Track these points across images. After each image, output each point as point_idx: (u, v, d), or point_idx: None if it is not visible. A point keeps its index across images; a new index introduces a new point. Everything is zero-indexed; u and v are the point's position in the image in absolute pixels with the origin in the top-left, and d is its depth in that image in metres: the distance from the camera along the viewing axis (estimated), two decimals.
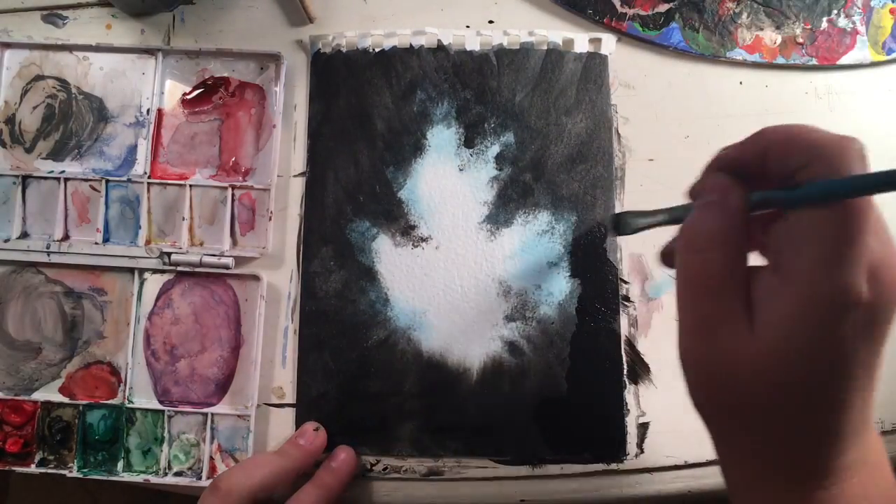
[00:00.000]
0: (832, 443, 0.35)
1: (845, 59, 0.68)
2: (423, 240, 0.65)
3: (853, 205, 0.33)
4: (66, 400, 0.65)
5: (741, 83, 0.68)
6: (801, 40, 0.68)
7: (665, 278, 0.65)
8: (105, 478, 0.63)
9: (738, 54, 0.68)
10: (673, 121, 0.68)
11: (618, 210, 0.66)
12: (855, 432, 0.35)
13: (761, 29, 0.68)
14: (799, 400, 0.35)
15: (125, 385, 0.64)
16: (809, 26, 0.68)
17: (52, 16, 0.71)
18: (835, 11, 0.68)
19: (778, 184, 0.37)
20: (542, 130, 0.66)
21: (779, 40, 0.68)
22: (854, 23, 0.68)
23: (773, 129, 0.38)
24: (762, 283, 0.37)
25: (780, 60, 0.68)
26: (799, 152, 0.36)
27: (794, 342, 0.34)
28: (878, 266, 0.34)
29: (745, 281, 0.37)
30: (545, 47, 0.68)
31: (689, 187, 0.45)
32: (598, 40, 0.68)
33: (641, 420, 0.63)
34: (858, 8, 0.69)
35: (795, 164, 0.36)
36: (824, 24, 0.68)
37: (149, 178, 0.66)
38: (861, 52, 0.68)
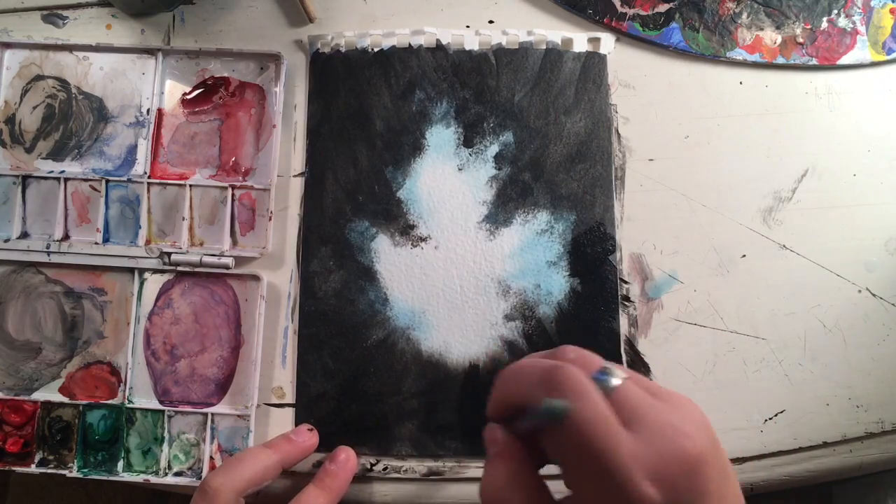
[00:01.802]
0: None
1: (845, 59, 0.68)
2: (423, 239, 0.65)
3: (587, 428, 0.35)
4: (66, 400, 0.65)
5: (741, 83, 0.68)
6: (801, 40, 0.68)
7: (665, 278, 0.65)
8: (105, 478, 0.63)
9: (738, 54, 0.68)
10: (673, 121, 0.68)
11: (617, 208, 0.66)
12: None
13: (761, 29, 0.68)
14: None
15: (125, 385, 0.64)
16: (809, 26, 0.68)
17: (52, 16, 0.71)
18: (835, 11, 0.68)
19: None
20: (541, 130, 0.66)
21: (779, 40, 0.68)
22: (854, 23, 0.68)
23: (503, 373, 0.42)
24: None
25: (780, 60, 0.68)
26: (522, 395, 0.39)
27: None
28: (658, 466, 0.34)
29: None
30: (544, 47, 0.68)
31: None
32: (597, 40, 0.68)
33: None
34: (858, 8, 0.68)
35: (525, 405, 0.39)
36: (824, 24, 0.68)
37: (149, 178, 0.66)
38: (861, 52, 0.68)
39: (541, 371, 0.38)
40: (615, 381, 0.38)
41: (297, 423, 0.63)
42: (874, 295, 0.65)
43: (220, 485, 0.53)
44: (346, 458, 0.60)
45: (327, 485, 0.58)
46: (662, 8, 0.68)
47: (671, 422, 0.36)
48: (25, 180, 0.67)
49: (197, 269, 0.65)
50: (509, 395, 0.41)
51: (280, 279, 0.66)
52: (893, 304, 0.65)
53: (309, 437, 0.61)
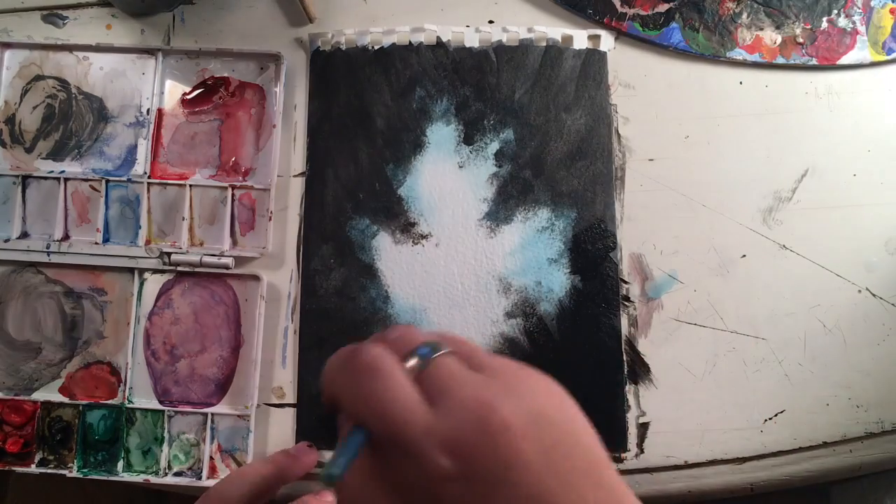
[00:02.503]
0: None
1: (845, 59, 0.68)
2: (423, 237, 0.65)
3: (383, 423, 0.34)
4: (66, 400, 0.65)
5: (741, 83, 0.68)
6: (801, 40, 0.68)
7: (665, 278, 0.65)
8: (105, 478, 0.63)
9: (738, 54, 0.68)
10: (673, 121, 0.68)
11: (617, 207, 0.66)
12: None
13: (761, 29, 0.68)
14: None
15: (125, 385, 0.64)
16: (809, 26, 0.68)
17: (52, 16, 0.71)
18: (835, 11, 0.69)
19: None
20: (541, 127, 0.66)
21: (779, 40, 0.68)
22: (854, 23, 0.68)
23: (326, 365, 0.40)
24: None
25: (780, 60, 0.68)
26: (332, 383, 0.38)
27: None
28: (454, 437, 0.33)
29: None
30: (544, 44, 0.68)
31: None
32: (597, 37, 0.68)
33: (641, 420, 0.63)
34: (858, 8, 0.69)
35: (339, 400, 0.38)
36: (824, 24, 0.68)
37: (149, 178, 0.66)
38: (861, 52, 0.68)
39: (344, 354, 0.37)
40: (435, 355, 0.37)
41: (298, 421, 0.63)
42: (874, 295, 0.65)
43: (224, 495, 0.53)
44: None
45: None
46: (662, 8, 0.69)
47: (478, 394, 0.34)
48: (25, 180, 0.67)
49: (197, 269, 0.65)
50: (326, 384, 0.39)
51: (280, 279, 0.66)
52: (893, 304, 0.65)
53: (308, 452, 0.61)
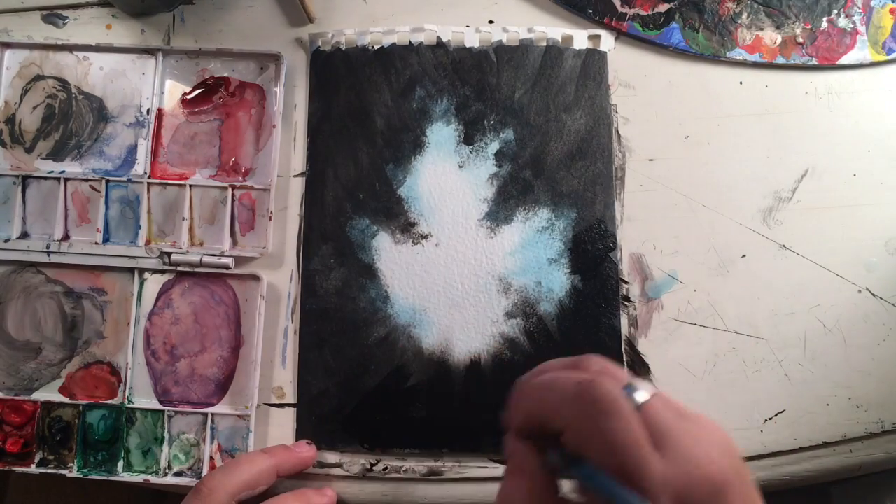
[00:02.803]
0: None
1: (845, 59, 0.68)
2: (423, 237, 0.65)
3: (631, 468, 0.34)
4: (66, 400, 0.65)
5: (741, 83, 0.68)
6: (801, 40, 0.68)
7: (665, 278, 0.65)
8: (105, 478, 0.63)
9: (738, 54, 0.68)
10: (673, 121, 0.68)
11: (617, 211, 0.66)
12: None
13: (761, 29, 0.68)
14: None
15: (125, 385, 0.64)
16: (809, 26, 0.68)
17: (52, 16, 0.71)
18: (835, 11, 0.69)
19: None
20: (541, 127, 0.66)
21: (779, 40, 0.68)
22: (854, 23, 0.68)
23: (525, 391, 0.40)
24: None
25: (780, 60, 0.68)
26: (551, 413, 0.38)
27: None
28: (684, 491, 0.34)
29: None
30: (544, 44, 0.68)
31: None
32: (598, 37, 0.68)
33: None
34: (858, 8, 0.69)
35: (556, 428, 0.37)
36: (824, 24, 0.68)
37: (149, 178, 0.66)
38: (861, 52, 0.68)
39: (574, 386, 0.37)
40: (641, 397, 0.37)
41: (298, 421, 0.63)
42: (874, 295, 0.65)
43: (214, 486, 0.54)
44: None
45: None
46: (662, 8, 0.69)
47: (699, 445, 0.35)
48: (25, 180, 0.67)
49: (197, 269, 0.65)
50: (535, 409, 0.39)
51: (280, 279, 0.66)
52: (893, 304, 0.65)
53: (307, 449, 0.61)
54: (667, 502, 0.33)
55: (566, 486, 0.40)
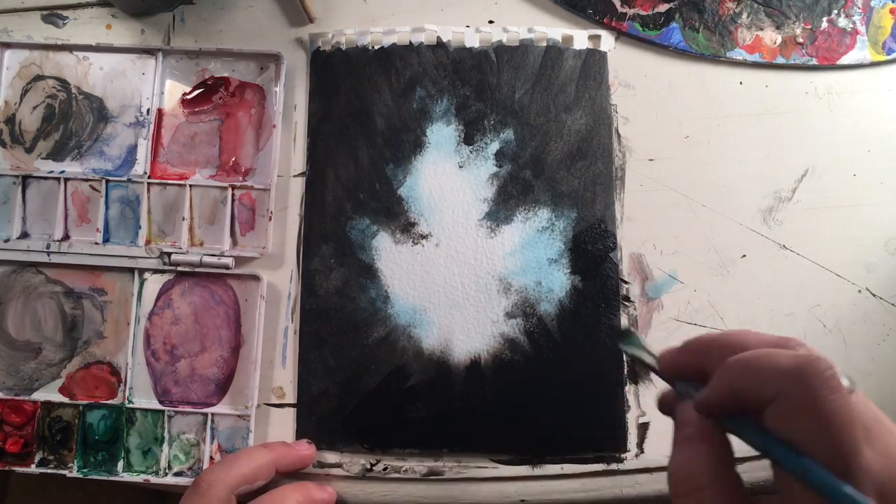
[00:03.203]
0: None
1: (845, 59, 0.68)
2: (424, 237, 0.65)
3: (844, 443, 0.32)
4: (66, 400, 0.65)
5: (741, 83, 0.68)
6: (801, 40, 0.68)
7: (665, 278, 0.65)
8: (105, 478, 0.63)
9: (738, 54, 0.68)
10: (673, 121, 0.68)
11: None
12: None
13: (761, 29, 0.68)
14: None
15: (125, 385, 0.64)
16: (809, 26, 0.68)
17: (52, 16, 0.71)
18: (835, 11, 0.69)
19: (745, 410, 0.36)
20: (541, 127, 0.66)
21: (779, 40, 0.68)
22: (854, 23, 0.69)
23: (734, 362, 0.37)
24: None
25: (780, 60, 0.68)
26: (763, 386, 0.35)
27: None
28: (887, 484, 0.33)
29: None
30: (544, 44, 0.68)
31: (658, 396, 0.44)
32: (598, 37, 0.68)
33: (641, 420, 0.63)
34: (858, 8, 0.69)
35: (763, 398, 0.35)
36: (824, 24, 0.68)
37: (149, 178, 0.66)
38: (861, 52, 0.68)
39: (793, 358, 0.35)
40: (849, 385, 0.35)
41: (298, 421, 0.63)
42: (874, 295, 0.65)
43: (212, 481, 0.54)
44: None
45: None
46: (662, 8, 0.69)
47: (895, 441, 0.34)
48: (25, 180, 0.67)
49: (197, 270, 0.65)
50: (743, 380, 0.36)
51: (280, 279, 0.66)
52: (893, 304, 0.65)
53: (307, 447, 0.62)
54: (869, 491, 0.32)
55: None
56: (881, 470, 0.32)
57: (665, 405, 0.44)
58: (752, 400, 0.35)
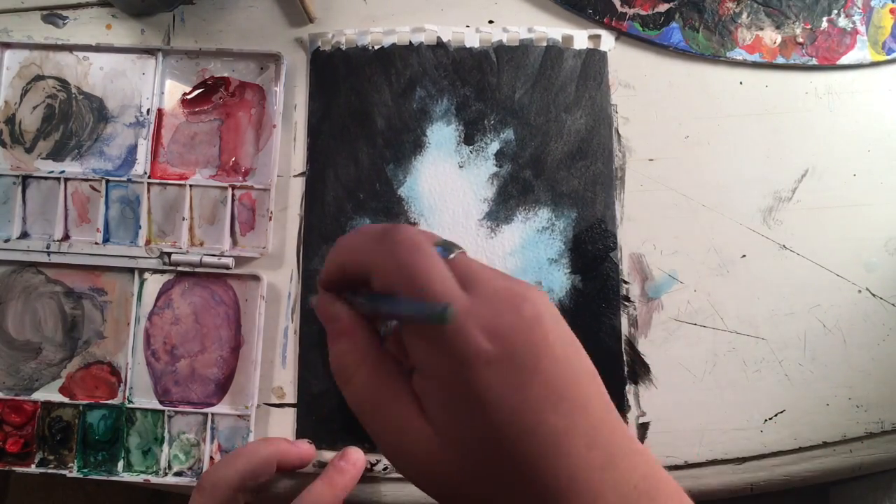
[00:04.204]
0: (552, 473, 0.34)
1: (845, 59, 0.68)
2: None
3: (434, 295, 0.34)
4: (66, 400, 0.65)
5: (741, 83, 0.68)
6: (801, 40, 0.68)
7: (665, 278, 0.65)
8: (105, 478, 0.63)
9: (738, 54, 0.68)
10: (673, 121, 0.68)
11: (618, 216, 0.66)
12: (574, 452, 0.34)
13: (761, 29, 0.68)
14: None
15: (125, 385, 0.64)
16: (809, 26, 0.68)
17: (52, 16, 0.71)
18: (835, 11, 0.69)
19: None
20: (541, 127, 0.66)
21: (779, 40, 0.68)
22: (854, 23, 0.69)
23: (338, 241, 0.41)
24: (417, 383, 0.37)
25: (780, 60, 0.68)
26: (358, 256, 0.38)
27: (456, 426, 0.34)
28: (493, 321, 0.34)
29: (404, 377, 0.37)
30: (544, 44, 0.68)
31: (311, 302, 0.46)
32: (598, 37, 0.68)
33: (641, 420, 0.63)
34: (858, 8, 0.69)
35: (362, 267, 0.38)
36: (824, 24, 0.68)
37: (149, 178, 0.66)
38: (861, 52, 0.68)
39: (381, 229, 0.38)
40: (453, 253, 0.38)
41: (298, 421, 0.63)
42: (874, 295, 0.65)
43: (216, 480, 0.54)
44: (357, 458, 0.60)
45: (335, 481, 0.58)
46: (662, 8, 0.69)
47: (509, 286, 0.36)
48: (25, 180, 0.67)
49: (197, 270, 0.65)
50: (346, 256, 0.39)
51: (280, 279, 0.66)
52: (893, 304, 0.65)
53: (307, 446, 0.61)
54: (475, 332, 0.33)
55: None
56: (483, 305, 0.34)
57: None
58: (357, 271, 0.38)
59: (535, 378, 0.33)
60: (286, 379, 0.65)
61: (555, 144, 0.66)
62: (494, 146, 0.66)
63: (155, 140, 0.67)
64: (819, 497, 0.82)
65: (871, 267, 0.65)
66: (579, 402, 0.34)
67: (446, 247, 0.38)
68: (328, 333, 0.40)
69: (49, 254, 0.66)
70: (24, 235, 0.67)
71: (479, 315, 0.34)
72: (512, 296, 0.35)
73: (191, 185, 0.66)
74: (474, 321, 0.33)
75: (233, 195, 0.66)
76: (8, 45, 0.69)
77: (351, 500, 0.62)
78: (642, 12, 0.68)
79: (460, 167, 0.66)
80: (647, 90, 0.68)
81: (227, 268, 0.65)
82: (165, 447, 0.64)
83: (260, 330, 0.64)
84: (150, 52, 0.69)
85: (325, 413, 0.63)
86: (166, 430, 0.64)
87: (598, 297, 0.64)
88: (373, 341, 0.38)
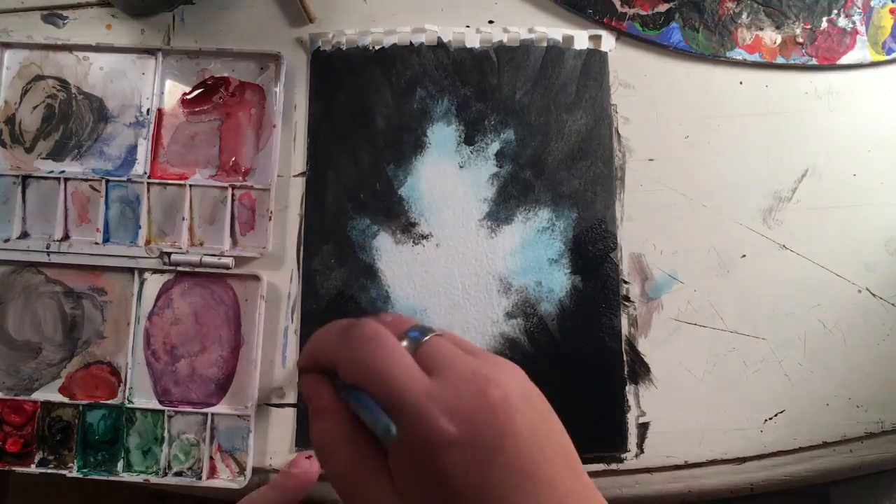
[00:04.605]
0: None
1: (845, 59, 0.68)
2: (424, 237, 0.65)
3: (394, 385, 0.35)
4: (66, 400, 0.65)
5: (741, 83, 0.68)
6: (801, 40, 0.68)
7: (665, 278, 0.65)
8: (105, 478, 0.63)
9: (738, 54, 0.68)
10: (673, 121, 0.68)
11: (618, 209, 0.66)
12: None
13: (761, 29, 0.68)
14: None
15: (125, 385, 0.64)
16: (809, 26, 0.68)
17: (52, 16, 0.71)
18: (835, 11, 0.69)
19: None
20: (542, 127, 0.66)
21: (779, 40, 0.68)
22: (854, 23, 0.69)
23: (313, 335, 0.42)
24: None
25: (780, 60, 0.68)
26: (326, 348, 0.40)
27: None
28: (456, 404, 0.34)
29: (382, 456, 0.38)
30: (545, 44, 0.68)
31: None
32: (598, 37, 0.68)
33: (641, 420, 0.63)
34: (858, 8, 0.69)
35: (331, 359, 0.39)
36: (824, 24, 0.69)
37: (149, 178, 0.66)
38: (861, 52, 0.68)
39: (344, 325, 0.39)
40: (424, 336, 0.38)
41: (298, 421, 0.63)
42: (874, 295, 0.65)
43: None
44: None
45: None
46: (662, 8, 0.69)
47: (477, 369, 0.36)
48: (25, 180, 0.67)
49: (197, 269, 0.65)
50: (317, 350, 0.41)
51: (280, 279, 0.66)
52: (893, 304, 0.65)
53: (308, 465, 0.60)
54: (438, 414, 0.34)
55: None
56: (447, 389, 0.35)
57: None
58: (326, 361, 0.39)
59: (498, 459, 0.34)
60: (286, 379, 0.64)
61: (555, 145, 0.66)
62: (495, 146, 0.66)
63: (155, 140, 0.67)
64: (819, 497, 0.82)
65: (871, 267, 0.65)
66: (544, 480, 0.35)
67: (422, 331, 0.39)
68: (310, 411, 0.42)
69: (49, 254, 0.65)
70: (24, 235, 0.66)
71: (442, 398, 0.34)
72: (478, 378, 0.35)
73: (191, 185, 0.66)
74: (437, 405, 0.34)
75: (233, 195, 0.66)
76: (8, 45, 0.69)
77: None
78: (642, 12, 0.68)
79: (461, 167, 0.66)
80: (647, 90, 0.68)
81: (227, 268, 0.65)
82: (165, 447, 0.63)
83: (260, 330, 0.64)
84: (150, 52, 0.69)
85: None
86: (166, 430, 0.64)
87: (598, 297, 0.64)
88: (352, 421, 0.39)
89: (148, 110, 0.68)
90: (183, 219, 0.66)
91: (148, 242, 0.66)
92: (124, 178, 0.66)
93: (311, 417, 0.41)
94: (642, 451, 0.62)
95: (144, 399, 0.64)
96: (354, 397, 0.37)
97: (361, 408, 0.36)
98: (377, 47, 0.68)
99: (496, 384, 0.35)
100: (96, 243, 0.66)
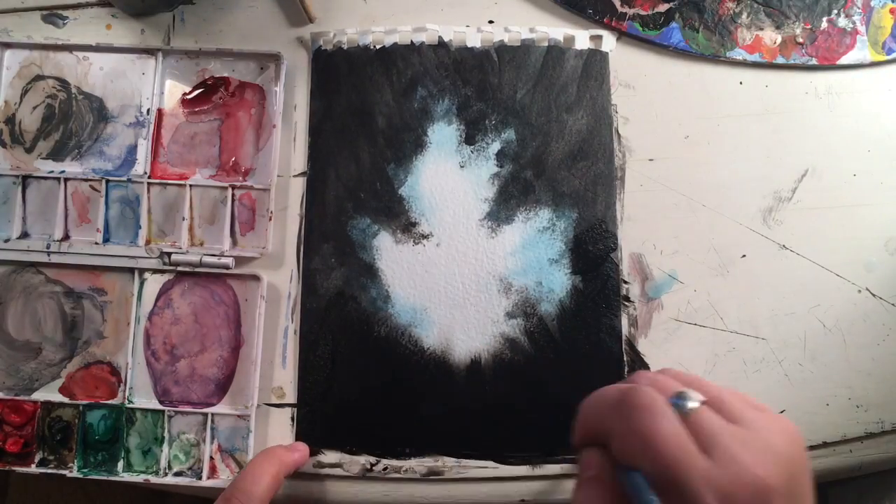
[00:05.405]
0: None
1: (845, 59, 0.68)
2: (424, 237, 0.65)
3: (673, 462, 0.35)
4: (66, 400, 0.65)
5: (741, 83, 0.68)
6: (801, 40, 0.68)
7: (665, 278, 0.65)
8: (105, 478, 0.63)
9: (738, 54, 0.68)
10: (673, 121, 0.68)
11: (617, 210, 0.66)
12: None
13: (761, 29, 0.68)
14: None
15: (125, 385, 0.64)
16: (809, 26, 0.68)
17: (52, 16, 0.71)
18: (835, 11, 0.69)
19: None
20: (542, 127, 0.66)
21: (779, 40, 0.68)
22: (854, 23, 0.69)
23: (582, 405, 0.43)
24: None
25: (780, 60, 0.68)
26: (598, 420, 0.41)
27: None
28: (728, 491, 0.35)
29: None
30: (546, 44, 0.68)
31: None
32: (599, 37, 0.68)
33: None
34: (858, 8, 0.69)
35: (603, 431, 0.40)
36: (824, 24, 0.69)
37: (149, 178, 0.66)
38: (861, 52, 0.68)
39: (616, 393, 0.39)
40: (691, 405, 0.38)
41: (298, 421, 0.63)
42: (874, 295, 0.65)
43: (250, 492, 0.53)
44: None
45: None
46: (662, 8, 0.69)
47: (748, 450, 0.36)
48: (25, 180, 0.67)
49: (197, 269, 0.65)
50: (589, 422, 0.42)
51: (280, 279, 0.66)
52: (893, 304, 0.65)
53: (302, 447, 0.62)
54: (710, 498, 0.34)
55: None
56: (722, 476, 0.35)
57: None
58: (599, 433, 0.40)
59: None
60: (286, 379, 0.65)
61: (556, 144, 0.66)
62: (495, 146, 0.66)
63: (155, 140, 0.67)
64: (819, 497, 0.82)
65: (871, 267, 0.65)
66: None
67: (682, 397, 0.39)
68: (581, 476, 0.42)
69: (49, 254, 0.65)
70: (24, 235, 0.66)
71: (716, 482, 0.34)
72: (748, 463, 0.35)
73: (191, 185, 0.66)
74: (711, 488, 0.34)
75: (233, 195, 0.66)
76: (8, 45, 0.69)
77: (351, 500, 0.62)
78: (642, 12, 0.68)
79: (461, 167, 0.66)
80: (647, 90, 0.68)
81: (227, 268, 0.65)
82: (165, 447, 0.63)
83: (260, 330, 0.64)
84: (150, 52, 0.69)
85: (324, 413, 0.63)
86: (166, 430, 0.64)
87: (598, 297, 0.64)
88: (620, 499, 0.39)
89: (148, 110, 0.68)
90: (183, 219, 0.66)
91: (148, 242, 0.66)
92: (124, 178, 0.66)
93: (579, 482, 0.42)
94: None
95: (144, 399, 0.64)
96: (628, 478, 0.37)
97: (632, 488, 0.36)
98: (378, 46, 0.68)
99: (765, 469, 0.35)
100: (96, 243, 0.66)
